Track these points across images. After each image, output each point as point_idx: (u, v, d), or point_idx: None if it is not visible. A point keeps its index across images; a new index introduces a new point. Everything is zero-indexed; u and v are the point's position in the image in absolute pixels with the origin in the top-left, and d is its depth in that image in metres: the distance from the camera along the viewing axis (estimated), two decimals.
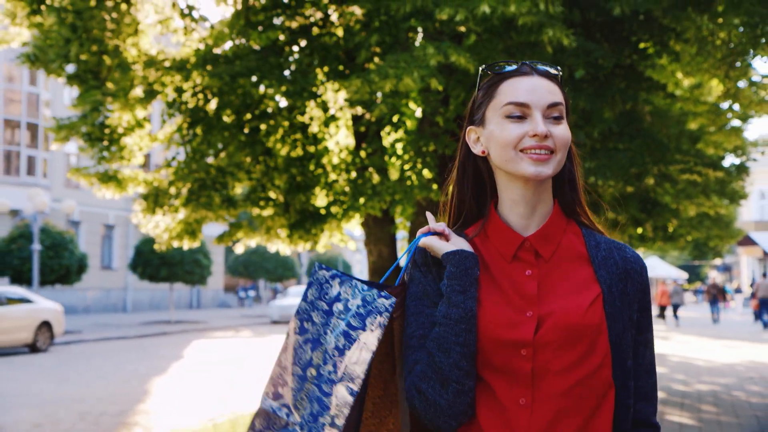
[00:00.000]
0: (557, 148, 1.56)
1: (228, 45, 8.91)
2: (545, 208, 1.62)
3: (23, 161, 31.74)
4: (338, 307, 1.58)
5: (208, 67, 8.04)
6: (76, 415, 9.42)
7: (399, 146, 9.15)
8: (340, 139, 10.02)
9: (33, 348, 18.16)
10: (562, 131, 1.57)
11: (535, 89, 1.57)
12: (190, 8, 8.66)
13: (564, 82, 1.67)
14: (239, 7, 8.61)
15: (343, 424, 1.50)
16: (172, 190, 8.61)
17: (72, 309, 32.44)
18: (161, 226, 9.13)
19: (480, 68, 1.66)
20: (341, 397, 1.51)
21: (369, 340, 1.54)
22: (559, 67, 1.64)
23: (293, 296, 33.47)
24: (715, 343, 20.95)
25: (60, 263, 23.46)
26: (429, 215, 1.66)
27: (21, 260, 22.84)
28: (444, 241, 1.61)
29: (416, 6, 6.86)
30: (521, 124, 1.56)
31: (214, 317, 35.38)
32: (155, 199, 8.60)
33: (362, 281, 1.58)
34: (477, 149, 1.65)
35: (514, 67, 1.62)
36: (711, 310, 30.89)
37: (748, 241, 38.96)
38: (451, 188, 1.73)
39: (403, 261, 1.69)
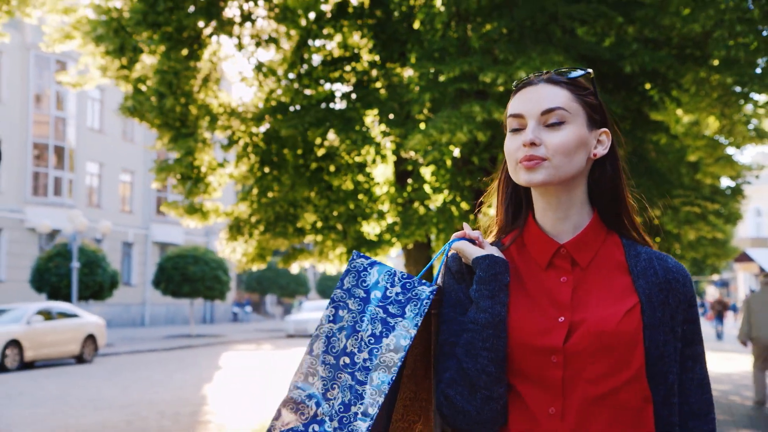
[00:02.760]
0: (551, 155, 1.48)
1: (281, 85, 10.31)
2: (579, 215, 1.57)
3: (50, 182, 33.19)
4: (376, 294, 1.55)
5: (279, 116, 9.48)
6: (157, 414, 10.76)
7: (436, 180, 10.52)
8: (380, 171, 11.44)
9: (79, 359, 19.56)
10: (558, 137, 1.49)
11: (531, 98, 1.51)
12: (261, 64, 10.09)
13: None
14: (292, 57, 10.02)
15: (376, 414, 1.45)
16: (252, 220, 10.05)
17: None
18: (238, 251, 10.56)
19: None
20: (376, 385, 1.47)
21: (408, 327, 1.50)
22: (585, 70, 1.57)
23: (308, 311, 34.42)
24: (714, 355, 22.21)
25: (94, 280, 24.83)
26: (465, 224, 1.64)
27: (58, 277, 24.18)
28: (477, 247, 1.59)
29: (464, 70, 8.28)
30: (519, 135, 1.52)
31: (231, 331, 36.68)
32: (237, 228, 10.04)
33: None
34: None
35: (528, 78, 1.56)
36: (716, 325, 32.20)
37: (744, 258, 40.09)
38: (495, 205, 1.71)
39: (437, 262, 1.70)
